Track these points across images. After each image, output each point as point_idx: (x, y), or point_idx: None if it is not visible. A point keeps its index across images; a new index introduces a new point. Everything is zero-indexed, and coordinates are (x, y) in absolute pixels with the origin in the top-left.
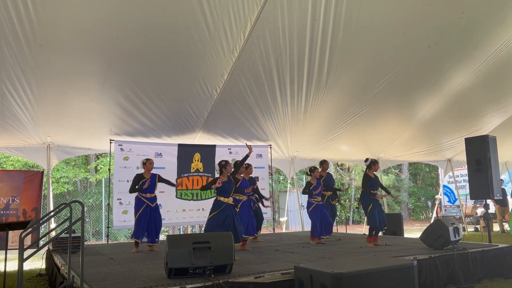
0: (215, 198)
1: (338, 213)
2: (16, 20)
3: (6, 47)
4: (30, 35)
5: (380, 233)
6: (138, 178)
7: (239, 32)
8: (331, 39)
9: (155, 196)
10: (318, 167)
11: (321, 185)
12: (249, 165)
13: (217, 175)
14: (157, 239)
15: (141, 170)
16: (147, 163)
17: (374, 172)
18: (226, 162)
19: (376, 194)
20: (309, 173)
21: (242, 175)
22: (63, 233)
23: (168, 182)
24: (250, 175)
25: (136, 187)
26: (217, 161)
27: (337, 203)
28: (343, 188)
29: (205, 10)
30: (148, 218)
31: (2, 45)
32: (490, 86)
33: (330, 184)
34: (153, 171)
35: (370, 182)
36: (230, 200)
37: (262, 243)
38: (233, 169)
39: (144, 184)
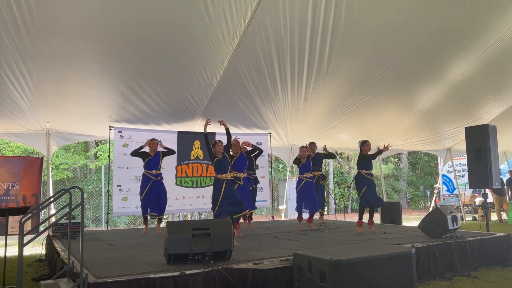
0: (214, 177)
1: (336, 200)
2: (14, 5)
3: (5, 33)
4: (29, 20)
5: (379, 222)
6: (143, 152)
7: (240, 18)
8: (332, 27)
9: (161, 173)
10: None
11: (310, 164)
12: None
13: None
14: (161, 214)
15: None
16: (151, 143)
17: (369, 153)
18: (215, 142)
19: (371, 175)
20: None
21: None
22: (62, 219)
23: (169, 151)
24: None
25: (139, 151)
26: None
27: (324, 183)
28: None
29: None
30: (153, 192)
31: (0, 31)
32: (491, 76)
33: (319, 162)
34: None
35: (364, 162)
36: (229, 176)
37: (261, 230)
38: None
39: (141, 149)
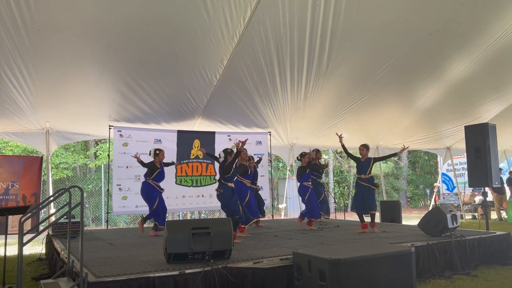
0: (224, 184)
1: (335, 199)
2: (13, 4)
3: (4, 32)
4: (28, 19)
5: (379, 220)
6: (152, 166)
7: (239, 17)
8: (332, 25)
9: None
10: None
11: (310, 172)
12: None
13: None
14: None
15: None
16: (160, 154)
17: (367, 156)
18: (231, 150)
19: (363, 179)
20: (299, 158)
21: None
22: (62, 218)
23: (168, 164)
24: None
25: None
26: (216, 148)
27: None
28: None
29: None
30: (162, 203)
31: None
32: (491, 74)
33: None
34: None
35: (357, 165)
36: (232, 185)
37: (261, 229)
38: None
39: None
